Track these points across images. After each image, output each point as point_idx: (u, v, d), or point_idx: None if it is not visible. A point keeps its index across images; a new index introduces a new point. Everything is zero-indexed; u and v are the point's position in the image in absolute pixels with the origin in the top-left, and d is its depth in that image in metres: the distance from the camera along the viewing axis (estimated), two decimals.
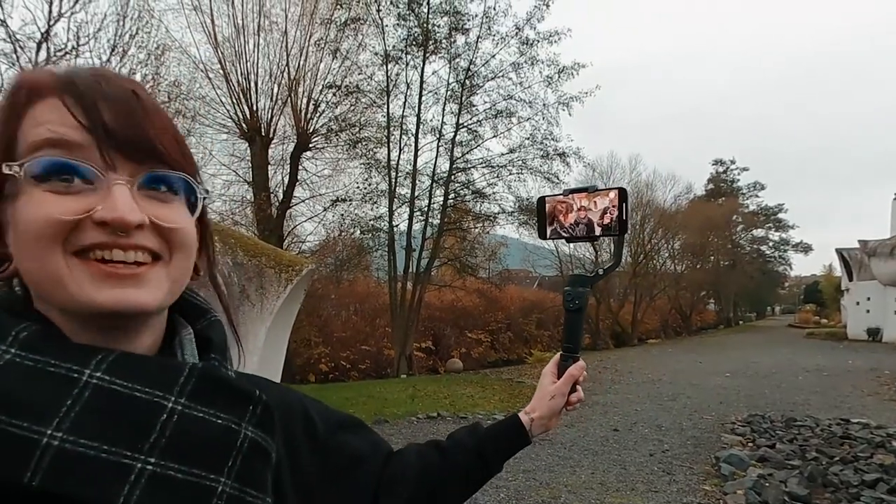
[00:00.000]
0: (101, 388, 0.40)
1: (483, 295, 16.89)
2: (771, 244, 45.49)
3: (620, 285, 25.25)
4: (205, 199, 0.50)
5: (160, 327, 0.49)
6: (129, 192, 0.43)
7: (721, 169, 45.91)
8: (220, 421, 0.44)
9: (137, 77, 10.42)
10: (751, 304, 52.10)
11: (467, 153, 15.18)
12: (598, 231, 0.78)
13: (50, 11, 8.27)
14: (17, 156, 0.43)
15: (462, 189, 15.26)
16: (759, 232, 44.29)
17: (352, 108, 14.01)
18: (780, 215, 44.18)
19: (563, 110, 14.99)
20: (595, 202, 0.78)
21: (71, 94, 0.43)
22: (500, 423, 0.81)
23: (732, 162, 45.50)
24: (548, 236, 0.83)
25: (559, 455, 5.48)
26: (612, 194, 0.77)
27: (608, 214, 0.77)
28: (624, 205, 0.76)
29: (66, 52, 8.56)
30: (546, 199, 0.83)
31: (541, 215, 0.83)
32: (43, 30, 8.33)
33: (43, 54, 8.18)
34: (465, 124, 14.89)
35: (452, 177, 14.78)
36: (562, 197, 0.82)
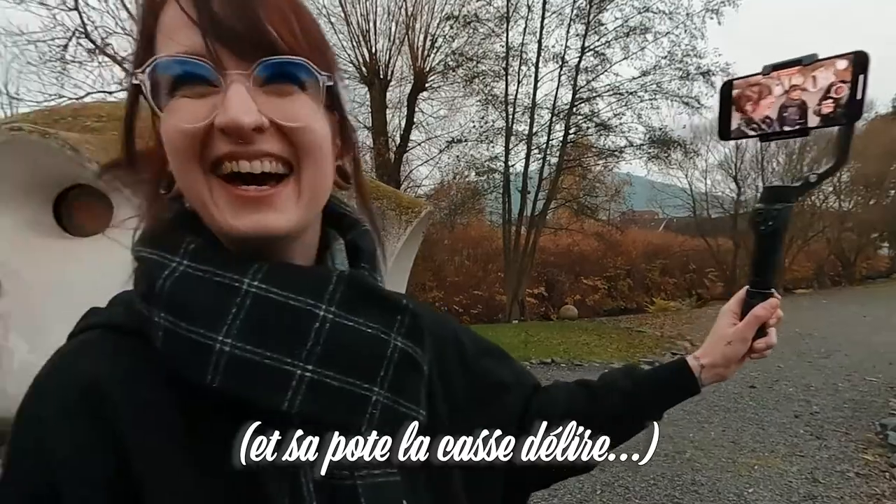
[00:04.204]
0: (259, 297, 0.40)
1: (602, 238, 15.91)
2: None
3: None
4: (330, 85, 0.43)
5: (311, 241, 0.49)
6: (244, 91, 0.39)
7: None
8: (369, 330, 0.44)
9: None
10: None
11: (592, 80, 13.49)
12: (813, 121, 0.56)
13: None
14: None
15: (584, 122, 13.86)
16: None
17: (469, 39, 13.51)
18: None
19: (712, 18, 12.34)
20: (814, 78, 0.56)
21: None
22: (663, 367, 0.70)
23: None
24: (731, 136, 0.62)
25: (684, 409, 5.11)
26: (842, 64, 0.54)
27: (831, 95, 0.55)
28: (861, 77, 0.53)
29: None
30: (734, 82, 0.61)
31: (725, 106, 0.62)
32: None
33: None
34: (592, 47, 13.05)
35: (575, 108, 13.51)
36: (761, 77, 0.59)
